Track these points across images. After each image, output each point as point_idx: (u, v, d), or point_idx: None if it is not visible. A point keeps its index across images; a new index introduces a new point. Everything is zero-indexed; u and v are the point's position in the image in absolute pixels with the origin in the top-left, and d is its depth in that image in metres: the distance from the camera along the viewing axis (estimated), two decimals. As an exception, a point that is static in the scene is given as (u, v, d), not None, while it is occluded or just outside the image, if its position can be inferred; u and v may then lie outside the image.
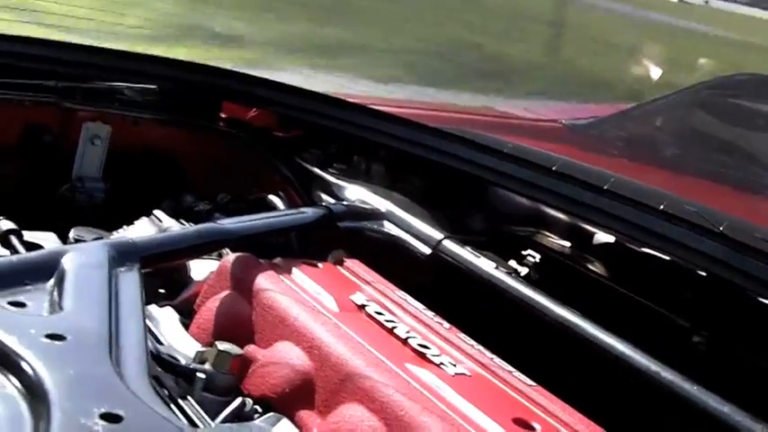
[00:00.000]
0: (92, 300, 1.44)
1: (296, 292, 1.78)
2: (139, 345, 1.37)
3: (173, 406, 1.44)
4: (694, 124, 3.69)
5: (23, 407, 1.16)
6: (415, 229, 2.25)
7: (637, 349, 1.80)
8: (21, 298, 1.40)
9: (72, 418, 1.10)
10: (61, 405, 1.12)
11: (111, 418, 1.11)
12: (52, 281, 1.49)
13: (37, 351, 1.23)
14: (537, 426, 1.52)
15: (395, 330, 1.72)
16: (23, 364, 1.20)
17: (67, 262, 1.53)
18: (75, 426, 1.09)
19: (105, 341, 1.32)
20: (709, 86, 3.99)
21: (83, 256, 1.56)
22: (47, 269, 1.51)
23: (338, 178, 2.52)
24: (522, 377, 1.68)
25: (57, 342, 1.27)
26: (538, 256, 2.21)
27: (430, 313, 1.85)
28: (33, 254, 1.62)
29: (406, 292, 1.93)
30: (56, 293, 1.45)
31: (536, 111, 3.88)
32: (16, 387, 1.19)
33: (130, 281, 1.58)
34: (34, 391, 1.16)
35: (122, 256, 1.63)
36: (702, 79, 4.47)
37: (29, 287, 1.45)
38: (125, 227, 2.10)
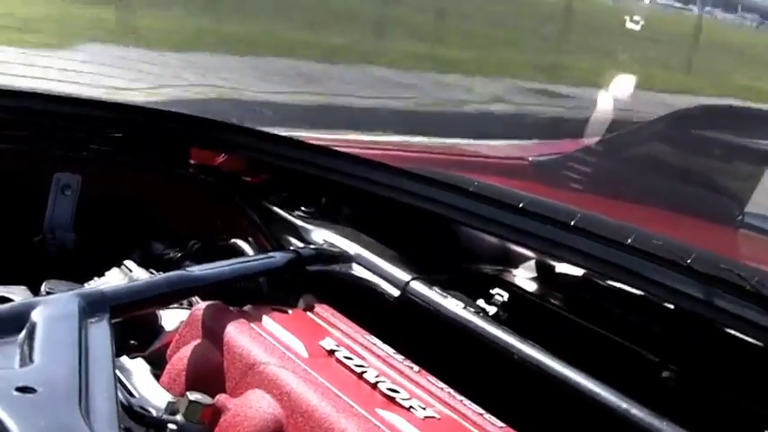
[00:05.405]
0: (62, 352, 1.45)
1: (265, 340, 1.79)
2: (109, 396, 1.38)
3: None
4: (659, 157, 3.71)
5: (-6, 461, 1.16)
6: (383, 271, 2.25)
7: (606, 386, 1.80)
8: (-9, 352, 1.41)
9: (42, 472, 1.11)
10: (32, 459, 1.13)
11: (81, 471, 1.11)
12: (23, 333, 1.49)
13: (7, 404, 1.23)
14: None
15: (364, 375, 1.73)
16: (-6, 418, 1.20)
17: (37, 314, 1.53)
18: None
19: (75, 393, 1.33)
20: (672, 118, 4.01)
21: (52, 308, 1.57)
22: (17, 322, 1.52)
23: (306, 221, 2.52)
24: (493, 419, 1.69)
25: (27, 395, 1.27)
26: (506, 295, 2.21)
27: (399, 357, 1.86)
28: (3, 307, 1.62)
29: (376, 334, 1.94)
30: (26, 346, 1.46)
31: (501, 149, 3.89)
32: (-14, 441, 1.19)
33: (100, 331, 1.58)
34: (4, 446, 1.17)
35: (91, 306, 1.63)
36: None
37: (-1, 341, 1.46)
38: (96, 278, 2.10)
